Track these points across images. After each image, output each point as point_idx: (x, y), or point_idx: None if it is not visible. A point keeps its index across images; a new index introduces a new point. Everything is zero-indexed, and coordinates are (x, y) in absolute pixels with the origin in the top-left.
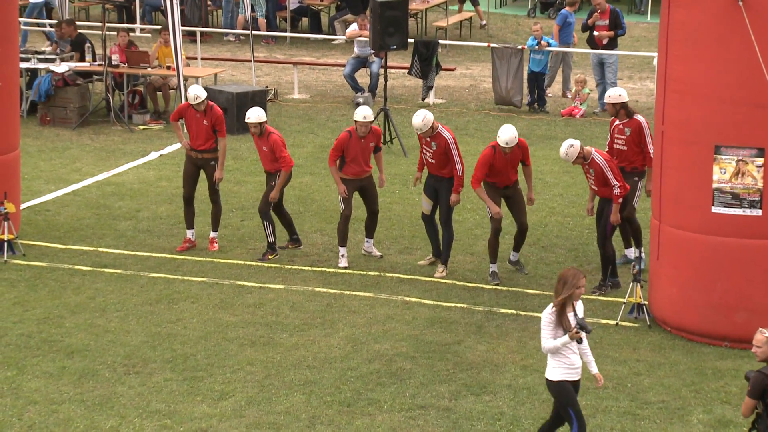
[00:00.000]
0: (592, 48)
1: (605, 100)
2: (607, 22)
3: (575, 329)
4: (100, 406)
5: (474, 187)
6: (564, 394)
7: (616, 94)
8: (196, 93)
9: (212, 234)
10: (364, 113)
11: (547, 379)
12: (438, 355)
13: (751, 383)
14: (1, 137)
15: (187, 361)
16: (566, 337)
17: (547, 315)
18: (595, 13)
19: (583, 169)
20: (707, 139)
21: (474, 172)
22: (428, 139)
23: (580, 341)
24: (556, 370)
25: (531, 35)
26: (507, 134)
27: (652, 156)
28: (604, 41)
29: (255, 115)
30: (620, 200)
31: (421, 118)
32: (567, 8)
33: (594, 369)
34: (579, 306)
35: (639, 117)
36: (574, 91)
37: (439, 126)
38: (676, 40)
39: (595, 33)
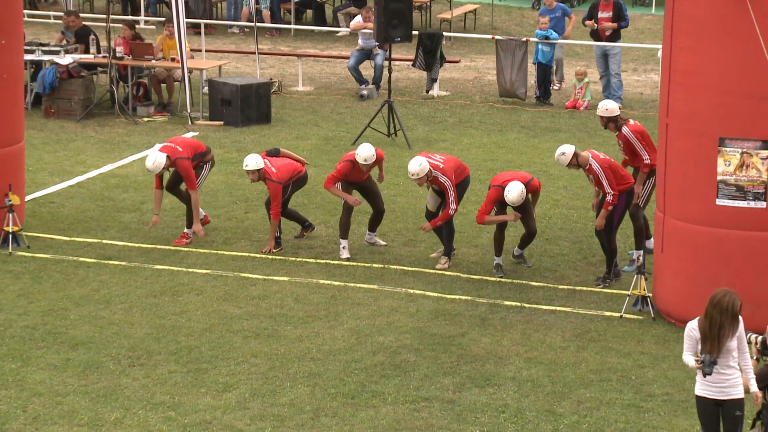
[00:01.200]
0: (596, 40)
1: (597, 113)
2: (610, 13)
3: (698, 360)
4: (104, 398)
5: (479, 222)
6: (698, 409)
7: (603, 107)
8: (150, 166)
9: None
10: (365, 156)
11: None
12: (442, 347)
13: (757, 376)
14: (6, 129)
15: (191, 353)
16: (693, 361)
17: (688, 329)
18: (591, 21)
19: (585, 172)
20: (712, 131)
21: (481, 206)
22: (427, 183)
23: (704, 375)
24: (696, 384)
25: (537, 28)
26: (514, 195)
27: (645, 161)
28: (607, 33)
29: (252, 161)
30: (610, 207)
31: (418, 164)
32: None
33: (753, 387)
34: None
35: (625, 129)
36: (574, 83)
37: (434, 171)
38: (681, 32)
39: (601, 22)
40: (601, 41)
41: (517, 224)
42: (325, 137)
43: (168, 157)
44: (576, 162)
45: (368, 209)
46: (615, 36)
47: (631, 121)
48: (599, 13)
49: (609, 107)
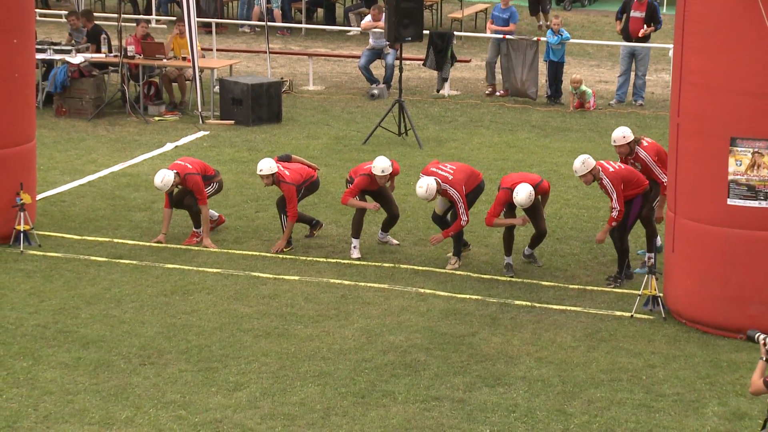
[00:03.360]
0: (625, 38)
1: (620, 143)
2: (643, 13)
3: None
4: (115, 397)
5: (488, 224)
6: None
7: (620, 135)
8: (159, 184)
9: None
10: (382, 167)
11: None
12: (452, 346)
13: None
14: (18, 128)
15: (202, 352)
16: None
17: None
18: (618, 21)
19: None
20: (723, 131)
21: (490, 208)
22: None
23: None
24: None
25: (548, 29)
26: (523, 197)
27: (664, 182)
28: (640, 35)
29: (267, 166)
30: (614, 223)
31: (425, 189)
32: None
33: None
34: None
35: (642, 153)
36: (570, 91)
37: (443, 184)
38: (692, 31)
39: (632, 22)
40: (631, 40)
41: (527, 224)
42: (336, 136)
43: (177, 173)
44: (591, 178)
45: (381, 211)
46: (645, 37)
47: (645, 141)
48: (632, 11)
49: (626, 134)
